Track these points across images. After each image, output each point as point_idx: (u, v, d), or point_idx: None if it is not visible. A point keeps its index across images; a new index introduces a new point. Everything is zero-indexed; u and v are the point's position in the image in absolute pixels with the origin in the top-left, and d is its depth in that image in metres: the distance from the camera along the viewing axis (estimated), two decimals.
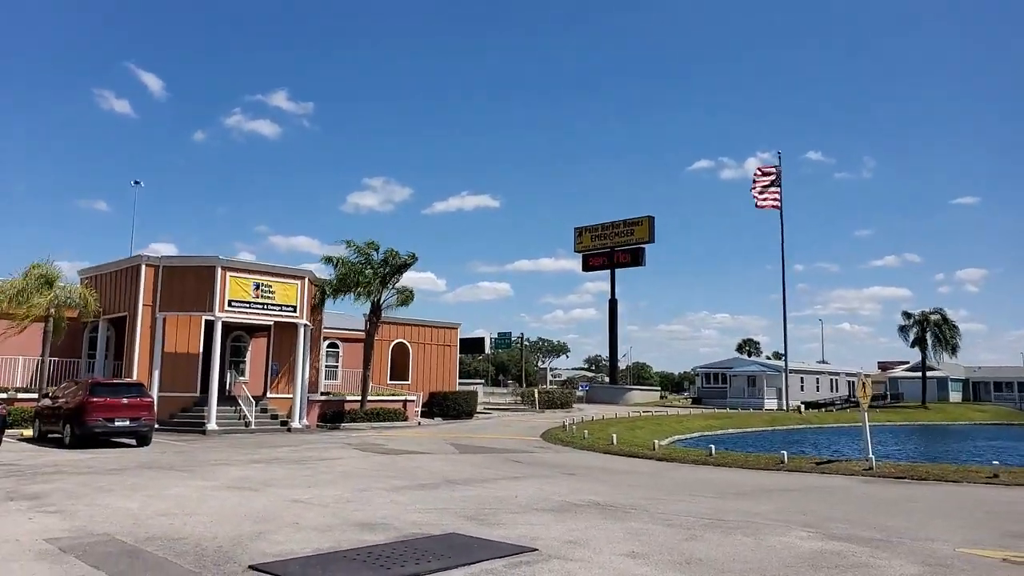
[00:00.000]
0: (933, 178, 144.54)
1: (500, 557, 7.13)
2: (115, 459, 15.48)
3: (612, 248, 60.55)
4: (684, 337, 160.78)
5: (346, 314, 34.48)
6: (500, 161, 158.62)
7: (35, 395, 22.19)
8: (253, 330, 28.59)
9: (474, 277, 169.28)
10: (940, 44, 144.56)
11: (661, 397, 68.45)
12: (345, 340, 33.74)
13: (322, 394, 29.27)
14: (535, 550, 7.42)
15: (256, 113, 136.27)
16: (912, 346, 61.27)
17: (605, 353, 70.24)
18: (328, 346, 33.09)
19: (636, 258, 59.80)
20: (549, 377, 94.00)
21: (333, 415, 27.83)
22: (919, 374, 62.65)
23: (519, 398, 49.62)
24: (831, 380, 65.80)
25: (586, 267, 63.95)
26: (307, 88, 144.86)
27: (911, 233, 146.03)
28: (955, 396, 69.07)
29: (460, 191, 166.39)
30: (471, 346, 59.41)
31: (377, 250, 29.19)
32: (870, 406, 56.42)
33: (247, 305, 24.75)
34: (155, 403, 21.10)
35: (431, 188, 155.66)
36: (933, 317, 60.39)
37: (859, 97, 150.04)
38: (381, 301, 29.05)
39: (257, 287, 24.86)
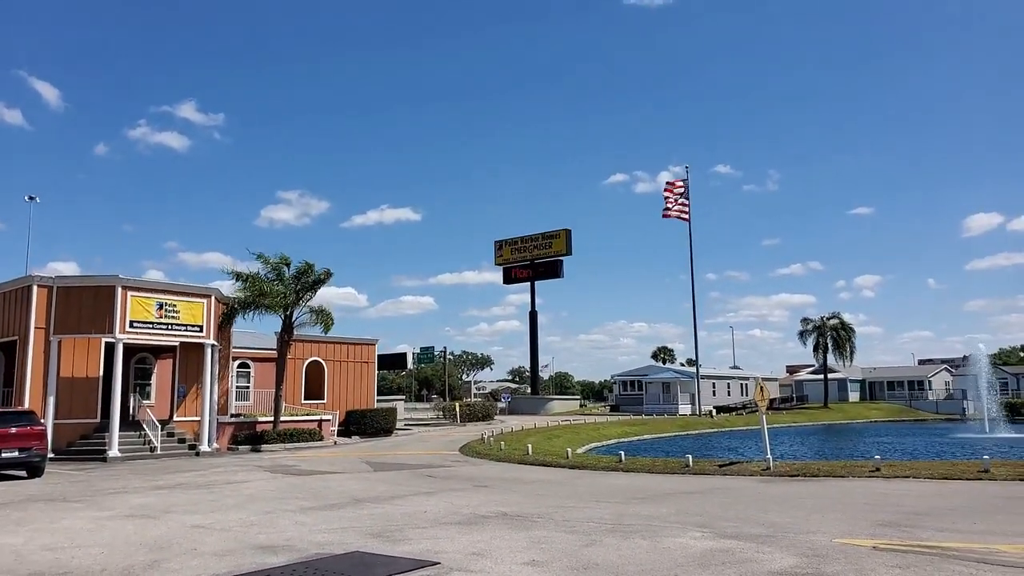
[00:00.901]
0: (832, 189, 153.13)
1: (401, 573, 7.20)
2: (1, 493, 14.63)
3: (531, 261, 61.32)
4: (604, 346, 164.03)
5: (258, 333, 33.64)
6: (420, 174, 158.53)
7: None
8: (158, 351, 27.53)
9: (397, 291, 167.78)
10: (836, 63, 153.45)
11: (581, 406, 69.43)
12: (257, 360, 32.88)
13: (233, 416, 28.41)
14: (437, 563, 7.52)
15: (163, 125, 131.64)
16: (815, 350, 64.48)
17: (528, 364, 70.78)
18: (239, 366, 32.16)
19: (554, 270, 60.72)
20: (474, 390, 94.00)
21: (245, 437, 27.06)
22: (822, 376, 65.95)
23: (441, 412, 49.32)
24: (742, 384, 68.33)
25: (507, 280, 64.52)
26: (217, 99, 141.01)
27: (814, 242, 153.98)
28: (854, 396, 72.92)
29: (380, 204, 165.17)
30: (393, 362, 58.72)
31: (288, 265, 28.65)
32: (778, 408, 58.66)
33: (150, 325, 23.85)
34: (49, 431, 20.09)
35: (350, 201, 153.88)
36: (831, 322, 63.86)
37: (764, 113, 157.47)
38: (294, 319, 28.51)
39: (160, 306, 24.00)
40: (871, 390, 75.11)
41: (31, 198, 35.46)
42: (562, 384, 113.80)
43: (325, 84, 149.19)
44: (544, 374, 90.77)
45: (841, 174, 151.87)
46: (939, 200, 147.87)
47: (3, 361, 25.07)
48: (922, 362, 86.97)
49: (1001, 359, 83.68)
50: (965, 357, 70.47)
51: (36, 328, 22.81)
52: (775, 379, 75.83)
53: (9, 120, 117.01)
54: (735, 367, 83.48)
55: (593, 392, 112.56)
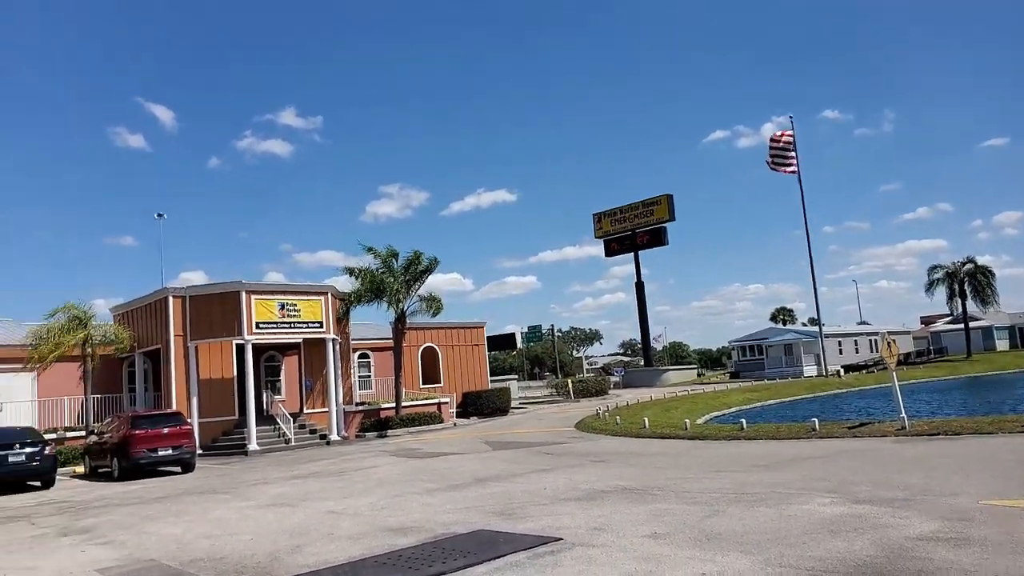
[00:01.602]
0: (958, 123, 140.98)
1: (524, 549, 7.33)
2: (161, 488, 16.04)
3: (633, 230, 60.28)
4: (718, 312, 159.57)
5: (374, 323, 35.03)
6: (512, 154, 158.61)
7: (82, 432, 23.02)
8: (284, 348, 29.18)
9: (499, 273, 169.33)
10: None
11: (698, 375, 68.00)
12: (375, 349, 34.23)
13: (357, 404, 29.78)
14: (559, 539, 7.60)
15: (267, 133, 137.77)
16: (948, 299, 60.16)
17: (639, 336, 70.01)
18: (359, 357, 33.59)
19: (658, 238, 59.45)
20: (585, 365, 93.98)
21: (371, 424, 28.30)
22: (962, 326, 61.47)
23: (554, 390, 49.84)
24: (871, 341, 64.75)
25: (609, 252, 63.78)
26: (314, 102, 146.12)
27: (941, 182, 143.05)
28: (1002, 344, 67.56)
29: (475, 188, 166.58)
30: (502, 342, 59.62)
31: (396, 257, 29.63)
32: (913, 363, 55.12)
33: (274, 325, 25.30)
34: (195, 429, 21.81)
35: (446, 189, 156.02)
36: (966, 267, 59.24)
37: (871, 50, 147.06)
38: (406, 308, 29.47)
39: (282, 307, 25.40)
40: (1023, 337, 69.37)
41: (160, 215, 38.11)
42: (677, 354, 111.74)
43: (413, 76, 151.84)
44: (657, 345, 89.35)
45: (967, 105, 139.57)
46: None
47: (151, 367, 27.31)
48: None
49: None
50: None
51: (175, 336, 24.74)
52: (908, 332, 71.42)
53: (133, 145, 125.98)
54: (863, 323, 79.18)
55: (710, 360, 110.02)
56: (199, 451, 21.54)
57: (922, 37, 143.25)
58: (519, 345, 66.05)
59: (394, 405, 29.10)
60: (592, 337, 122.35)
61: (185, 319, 24.90)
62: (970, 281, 58.66)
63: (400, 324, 29.49)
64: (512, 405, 37.15)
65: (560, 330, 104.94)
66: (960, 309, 60.54)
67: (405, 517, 9.77)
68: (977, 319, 63.84)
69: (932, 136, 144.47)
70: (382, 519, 9.76)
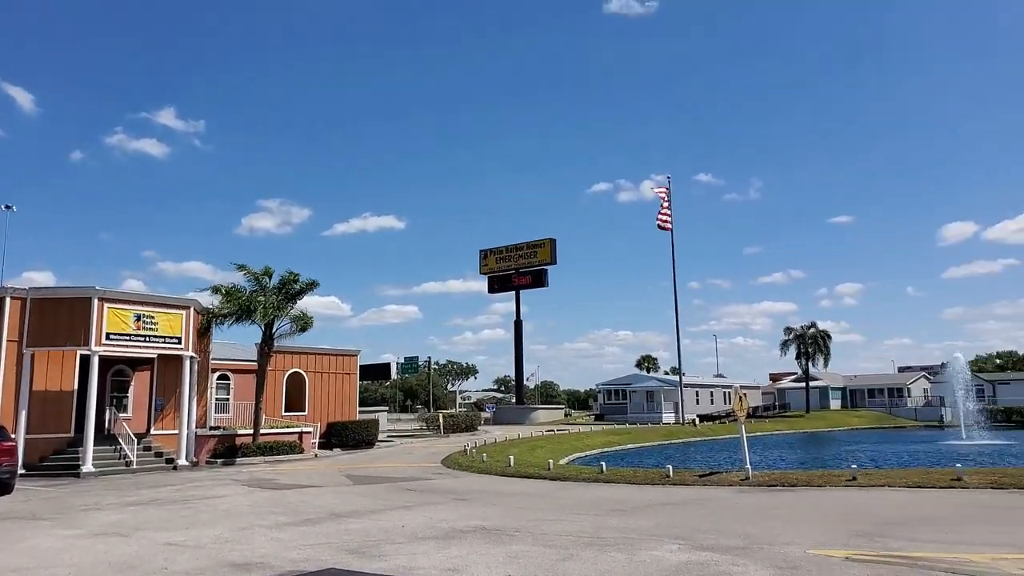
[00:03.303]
0: (813, 198, 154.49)
1: None
2: None
3: (516, 270, 61.43)
4: (589, 355, 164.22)
5: (238, 344, 33.36)
6: (403, 181, 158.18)
7: None
8: (136, 363, 27.19)
9: (380, 300, 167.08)
10: (816, 73, 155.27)
11: (566, 415, 69.35)
12: (236, 371, 32.54)
13: (212, 429, 28.11)
14: None
15: (141, 132, 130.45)
16: (797, 358, 65.27)
17: (513, 373, 70.70)
18: (219, 378, 31.81)
19: (539, 279, 60.88)
20: (459, 400, 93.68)
21: (224, 450, 26.76)
22: (804, 385, 66.46)
23: (424, 424, 49.22)
24: (725, 393, 68.62)
25: (492, 289, 64.57)
26: (197, 105, 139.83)
27: (795, 250, 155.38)
28: (835, 403, 73.48)
29: (362, 212, 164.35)
30: (377, 372, 58.62)
31: (271, 276, 28.44)
32: (760, 416, 59.06)
33: (128, 338, 23.56)
34: (20, 447, 19.77)
35: (331, 209, 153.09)
36: (811, 331, 64.78)
37: (746, 122, 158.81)
38: (275, 330, 28.27)
39: (138, 318, 23.73)
40: (852, 397, 75.76)
41: (8, 207, 34.65)
42: (548, 393, 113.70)
43: (306, 91, 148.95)
44: (530, 383, 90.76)
45: (821, 182, 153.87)
46: (916, 208, 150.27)
47: None
48: (902, 369, 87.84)
49: (976, 366, 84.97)
50: (943, 364, 71.34)
51: (8, 341, 22.44)
52: (758, 387, 76.27)
53: None
54: (719, 375, 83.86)
55: (579, 401, 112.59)
56: (22, 471, 19.50)
57: (787, 113, 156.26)
58: (394, 376, 65.07)
59: (251, 431, 27.69)
60: (468, 371, 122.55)
61: (23, 323, 22.67)
62: (813, 343, 64.05)
63: (267, 346, 28.26)
64: (380, 438, 36.30)
65: (437, 363, 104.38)
66: (807, 368, 65.81)
67: (251, 552, 9.26)
68: (817, 379, 69.35)
69: (790, 207, 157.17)
70: (225, 553, 9.20)
